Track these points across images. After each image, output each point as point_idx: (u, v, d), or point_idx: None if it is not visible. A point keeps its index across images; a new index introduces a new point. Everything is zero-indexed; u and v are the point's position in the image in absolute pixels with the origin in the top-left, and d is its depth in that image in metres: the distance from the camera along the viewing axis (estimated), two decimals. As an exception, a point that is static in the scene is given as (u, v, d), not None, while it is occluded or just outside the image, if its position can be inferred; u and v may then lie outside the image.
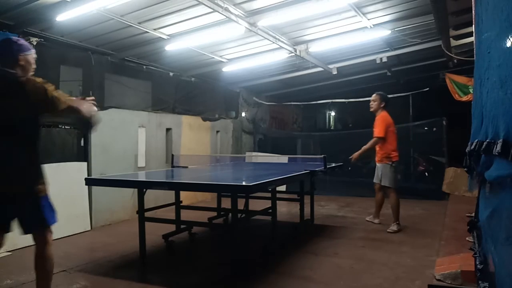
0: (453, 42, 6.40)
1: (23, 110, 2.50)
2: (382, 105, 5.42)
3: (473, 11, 2.20)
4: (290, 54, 7.02)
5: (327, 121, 16.41)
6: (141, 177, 5.14)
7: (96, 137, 5.86)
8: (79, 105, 2.73)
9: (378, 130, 5.29)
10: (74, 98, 2.82)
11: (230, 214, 5.18)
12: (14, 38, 2.79)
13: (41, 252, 2.62)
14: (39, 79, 2.60)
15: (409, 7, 5.53)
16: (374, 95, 5.49)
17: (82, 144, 5.78)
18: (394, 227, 5.25)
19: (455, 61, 7.42)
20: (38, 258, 2.62)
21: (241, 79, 9.36)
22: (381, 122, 5.29)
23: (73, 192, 5.37)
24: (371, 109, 5.50)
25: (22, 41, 2.77)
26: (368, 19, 5.81)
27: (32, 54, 2.78)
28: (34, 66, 2.79)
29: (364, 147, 5.45)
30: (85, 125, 2.85)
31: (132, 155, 6.58)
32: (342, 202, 7.75)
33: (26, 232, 2.59)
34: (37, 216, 2.57)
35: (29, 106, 2.51)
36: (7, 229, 2.59)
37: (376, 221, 5.76)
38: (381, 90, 8.91)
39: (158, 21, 5.46)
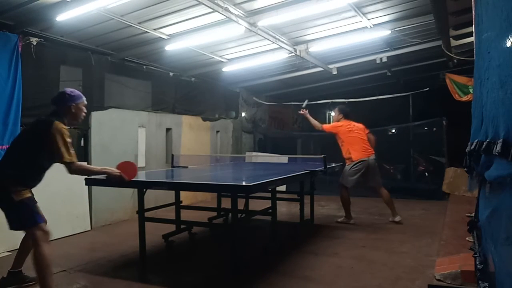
0: (453, 42, 6.40)
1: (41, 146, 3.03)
2: (340, 117, 6.00)
3: (473, 11, 2.20)
4: (290, 54, 7.02)
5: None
6: (141, 177, 5.13)
7: (96, 137, 5.86)
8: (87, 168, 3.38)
9: (326, 126, 6.12)
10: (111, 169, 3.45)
11: (230, 214, 5.18)
12: (68, 90, 3.30)
13: (32, 251, 2.99)
14: (65, 128, 3.06)
15: (409, 7, 5.53)
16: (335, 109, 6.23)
17: (82, 144, 5.78)
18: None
19: (455, 61, 7.42)
20: (32, 256, 2.98)
21: (241, 79, 9.36)
22: (333, 123, 6.08)
23: (73, 192, 5.38)
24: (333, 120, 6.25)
25: (75, 92, 3.30)
26: (368, 19, 5.81)
27: (83, 102, 3.31)
28: (85, 111, 3.36)
29: (312, 121, 6.12)
30: (110, 180, 3.44)
31: (132, 155, 6.57)
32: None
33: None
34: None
35: (45, 145, 3.01)
36: None
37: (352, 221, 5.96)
38: (381, 90, 9.02)
39: (158, 21, 5.46)
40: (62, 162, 3.01)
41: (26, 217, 2.96)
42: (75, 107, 3.23)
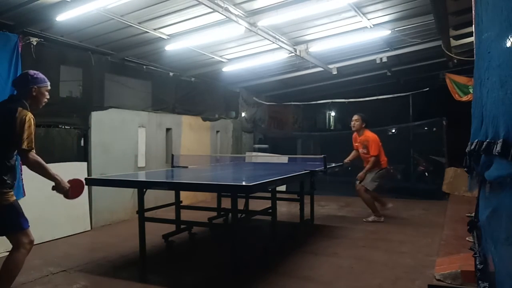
0: (453, 42, 6.40)
1: (9, 135, 2.80)
2: (363, 125, 6.12)
3: (473, 11, 2.20)
4: (290, 54, 7.02)
5: (327, 121, 16.40)
6: (141, 177, 5.14)
7: (96, 137, 5.86)
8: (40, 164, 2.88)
9: (374, 152, 5.95)
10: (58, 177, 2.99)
11: (230, 214, 5.18)
12: (31, 72, 3.04)
13: (9, 256, 2.83)
14: (29, 115, 2.85)
15: (409, 7, 5.53)
16: (356, 115, 6.19)
17: (82, 144, 5.78)
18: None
19: (455, 61, 7.41)
20: (6, 260, 2.81)
21: (241, 79, 9.35)
22: (375, 142, 6.00)
23: (73, 192, 5.37)
24: (353, 128, 6.22)
25: (39, 75, 3.04)
26: (368, 19, 5.81)
27: (46, 86, 3.05)
28: (47, 97, 3.08)
29: (368, 167, 5.99)
30: (57, 189, 3.01)
31: (132, 155, 6.58)
32: (342, 202, 7.75)
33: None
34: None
35: (14, 133, 2.78)
36: None
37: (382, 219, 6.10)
38: (381, 90, 9.11)
39: (158, 21, 5.45)
40: (19, 149, 2.78)
41: (14, 222, 2.80)
42: (36, 90, 2.97)
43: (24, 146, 2.75)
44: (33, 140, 2.83)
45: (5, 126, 2.81)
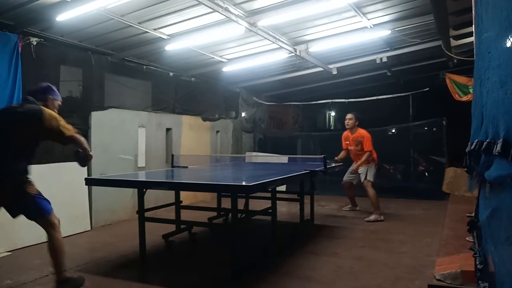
0: (453, 42, 6.39)
1: (38, 135, 3.17)
2: (357, 123, 6.33)
3: (473, 11, 2.20)
4: (290, 54, 7.02)
5: (327, 121, 16.40)
6: (141, 177, 5.14)
7: (96, 137, 5.86)
8: (82, 140, 3.29)
9: (368, 147, 6.12)
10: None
11: (230, 214, 5.18)
12: (53, 86, 3.44)
13: (50, 238, 3.16)
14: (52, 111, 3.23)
15: (409, 7, 5.53)
16: (349, 114, 6.44)
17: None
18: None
19: (455, 61, 7.41)
20: (49, 243, 3.15)
21: (241, 79, 9.35)
22: (368, 139, 6.16)
23: (73, 192, 5.37)
24: (347, 126, 6.39)
25: (56, 90, 3.45)
26: (368, 19, 5.81)
27: (59, 101, 3.44)
28: (55, 111, 3.34)
29: (362, 160, 6.13)
30: (82, 158, 3.34)
31: (132, 155, 6.57)
32: (342, 202, 7.73)
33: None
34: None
35: (43, 132, 3.13)
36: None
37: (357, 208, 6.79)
38: (381, 90, 9.17)
39: (158, 21, 5.46)
40: (65, 137, 3.15)
41: (44, 207, 3.13)
42: (51, 100, 3.34)
43: (69, 133, 3.15)
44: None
45: (32, 124, 3.09)
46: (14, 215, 3.16)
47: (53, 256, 3.12)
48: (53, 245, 3.12)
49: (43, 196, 3.17)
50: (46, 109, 3.16)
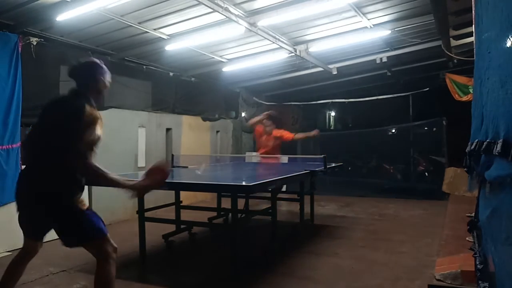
0: (453, 42, 6.39)
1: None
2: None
3: (473, 11, 2.20)
4: (290, 54, 7.02)
5: (327, 121, 16.39)
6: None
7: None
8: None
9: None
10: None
11: (230, 214, 5.18)
12: (96, 60, 2.60)
13: (98, 270, 2.44)
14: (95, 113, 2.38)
15: (409, 7, 5.53)
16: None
17: (82, 144, 5.77)
18: None
19: (455, 61, 7.41)
20: (96, 276, 2.42)
21: (241, 79, 9.35)
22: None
23: (73, 192, 5.36)
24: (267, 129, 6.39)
25: (102, 64, 2.60)
26: (368, 19, 5.80)
27: (109, 78, 2.61)
28: (108, 88, 2.63)
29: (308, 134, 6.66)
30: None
31: (132, 155, 6.57)
32: (342, 202, 7.74)
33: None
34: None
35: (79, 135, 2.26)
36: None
37: None
38: (381, 90, 9.27)
39: (158, 21, 5.45)
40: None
41: (93, 228, 2.36)
42: (103, 82, 2.53)
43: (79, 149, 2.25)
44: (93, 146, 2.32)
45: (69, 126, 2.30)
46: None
47: None
48: (100, 281, 2.36)
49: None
50: (89, 106, 2.36)
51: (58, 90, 5.42)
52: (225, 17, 5.01)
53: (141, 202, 4.08)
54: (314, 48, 6.85)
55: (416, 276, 3.55)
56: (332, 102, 11.06)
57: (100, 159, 2.44)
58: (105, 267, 2.36)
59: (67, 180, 2.31)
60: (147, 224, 4.10)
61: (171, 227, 4.76)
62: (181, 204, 4.99)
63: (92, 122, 2.30)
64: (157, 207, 4.73)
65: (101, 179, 2.36)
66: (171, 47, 6.24)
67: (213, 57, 7.38)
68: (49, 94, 5.31)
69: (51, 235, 2.57)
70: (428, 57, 8.17)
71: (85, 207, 2.40)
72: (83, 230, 2.35)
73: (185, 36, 5.92)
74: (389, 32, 6.07)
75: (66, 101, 2.50)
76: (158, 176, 2.63)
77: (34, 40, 5.10)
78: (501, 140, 1.16)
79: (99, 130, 2.33)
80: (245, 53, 7.33)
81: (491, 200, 1.52)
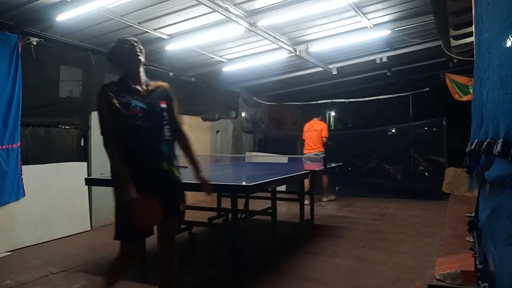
0: (453, 42, 6.39)
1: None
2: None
3: (473, 11, 2.20)
4: (290, 54, 7.02)
5: (327, 121, 16.38)
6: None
7: (96, 137, 5.85)
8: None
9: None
10: None
11: (230, 214, 5.18)
12: (118, 40, 2.71)
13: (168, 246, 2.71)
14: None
15: (409, 7, 5.53)
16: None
17: (82, 144, 5.78)
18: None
19: (455, 61, 7.41)
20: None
21: (241, 79, 9.35)
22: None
23: (73, 192, 5.37)
24: None
25: (124, 39, 2.73)
26: (368, 19, 5.81)
27: (131, 48, 2.71)
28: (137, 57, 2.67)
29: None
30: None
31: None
32: (342, 202, 7.75)
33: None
34: None
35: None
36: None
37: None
38: (381, 90, 9.32)
39: (158, 21, 5.46)
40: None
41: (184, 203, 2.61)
42: (126, 57, 2.70)
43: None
44: (107, 123, 2.47)
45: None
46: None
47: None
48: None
49: None
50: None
51: (58, 90, 5.42)
52: (225, 17, 5.01)
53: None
54: (314, 48, 6.85)
55: (416, 276, 3.55)
56: (332, 102, 11.05)
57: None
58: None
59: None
60: (147, 224, 4.09)
61: (171, 227, 4.74)
62: (181, 204, 4.98)
63: (97, 104, 2.45)
64: (157, 207, 4.72)
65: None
66: (171, 47, 6.24)
67: (213, 57, 7.38)
68: (49, 94, 5.33)
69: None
70: (428, 57, 8.18)
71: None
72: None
73: (185, 36, 5.92)
74: (389, 32, 6.07)
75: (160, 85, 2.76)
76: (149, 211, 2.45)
77: (34, 40, 5.10)
78: (501, 140, 1.15)
79: (105, 111, 2.42)
80: (245, 53, 7.33)
81: (491, 200, 1.52)
